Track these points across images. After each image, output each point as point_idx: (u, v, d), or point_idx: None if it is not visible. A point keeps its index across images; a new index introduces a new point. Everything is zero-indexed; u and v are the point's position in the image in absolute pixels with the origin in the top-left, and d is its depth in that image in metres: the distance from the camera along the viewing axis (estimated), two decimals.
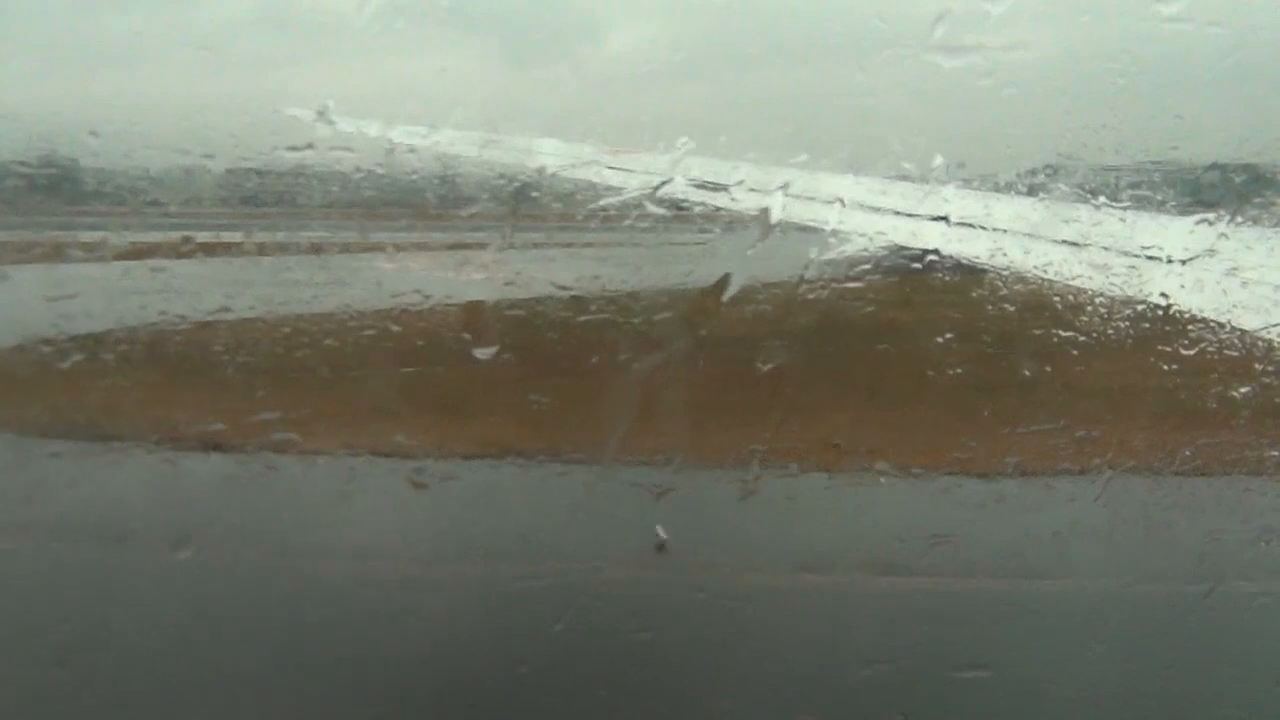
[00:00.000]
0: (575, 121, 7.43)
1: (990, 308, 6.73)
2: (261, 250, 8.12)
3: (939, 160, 6.45)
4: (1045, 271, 6.29)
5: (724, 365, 7.55)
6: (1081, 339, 6.39)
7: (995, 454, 7.47)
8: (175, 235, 8.00)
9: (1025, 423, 7.31)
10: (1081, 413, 7.25)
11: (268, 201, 7.35)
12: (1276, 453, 7.02)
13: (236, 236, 8.22)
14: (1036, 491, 7.59)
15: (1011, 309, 6.62)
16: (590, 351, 7.04)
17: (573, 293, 7.77)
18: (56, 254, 7.43)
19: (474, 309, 7.11)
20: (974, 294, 6.93)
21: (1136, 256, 5.76)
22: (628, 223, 6.35)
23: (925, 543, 6.98)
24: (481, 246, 7.48)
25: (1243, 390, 6.10)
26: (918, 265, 6.59)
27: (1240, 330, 5.21)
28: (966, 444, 7.63)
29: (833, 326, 7.10)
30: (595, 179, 6.97)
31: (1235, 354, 5.55)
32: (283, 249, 8.69)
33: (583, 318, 7.17)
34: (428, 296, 7.39)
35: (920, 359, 7.47)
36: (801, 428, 7.72)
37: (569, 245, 8.74)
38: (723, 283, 5.90)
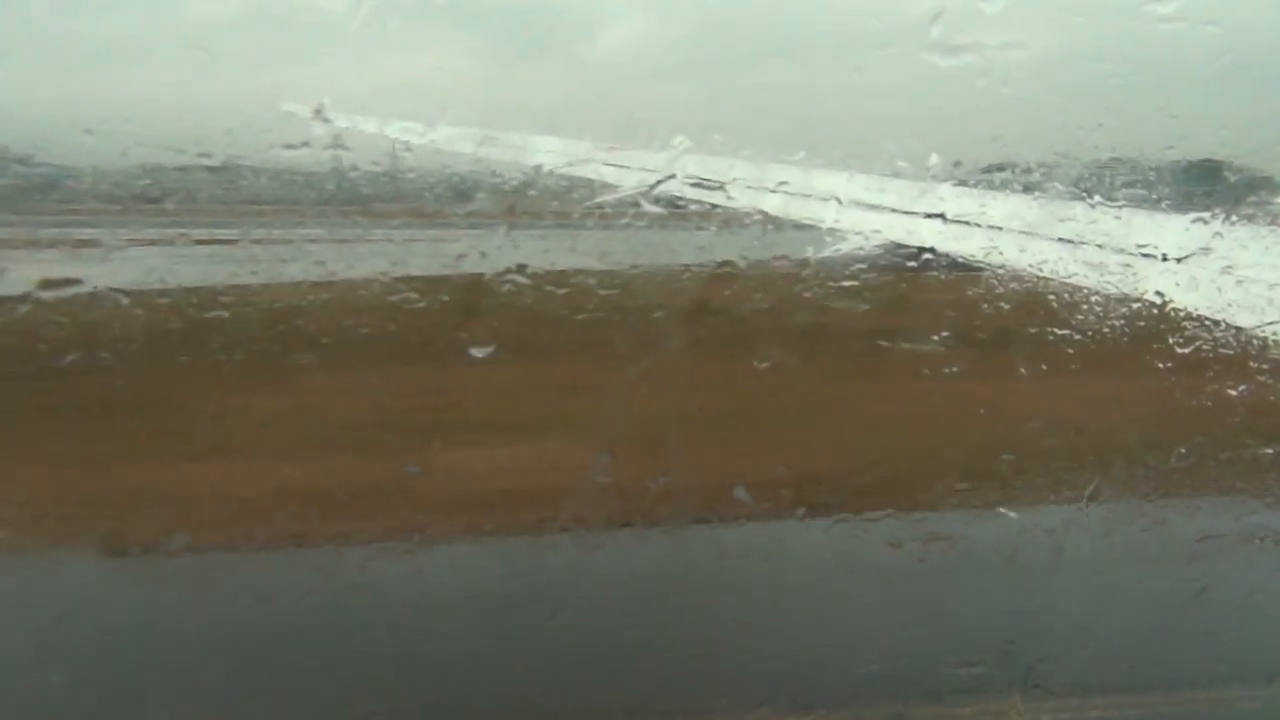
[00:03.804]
0: (572, 119, 7.42)
1: (986, 306, 6.73)
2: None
3: (935, 158, 6.46)
4: (1041, 269, 6.28)
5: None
6: (1077, 337, 6.40)
7: None
8: (171, 233, 7.96)
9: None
10: None
11: (264, 199, 7.32)
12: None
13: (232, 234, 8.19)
14: None
15: (1007, 307, 6.63)
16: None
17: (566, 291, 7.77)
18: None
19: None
20: (970, 291, 6.94)
21: (1132, 254, 5.75)
22: (624, 220, 6.34)
23: None
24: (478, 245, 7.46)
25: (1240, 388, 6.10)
26: (914, 263, 6.59)
27: (1236, 328, 5.21)
28: None
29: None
30: (592, 176, 6.95)
31: (1230, 352, 5.55)
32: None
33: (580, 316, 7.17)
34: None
35: None
36: None
37: (565, 242, 8.73)
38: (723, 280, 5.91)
